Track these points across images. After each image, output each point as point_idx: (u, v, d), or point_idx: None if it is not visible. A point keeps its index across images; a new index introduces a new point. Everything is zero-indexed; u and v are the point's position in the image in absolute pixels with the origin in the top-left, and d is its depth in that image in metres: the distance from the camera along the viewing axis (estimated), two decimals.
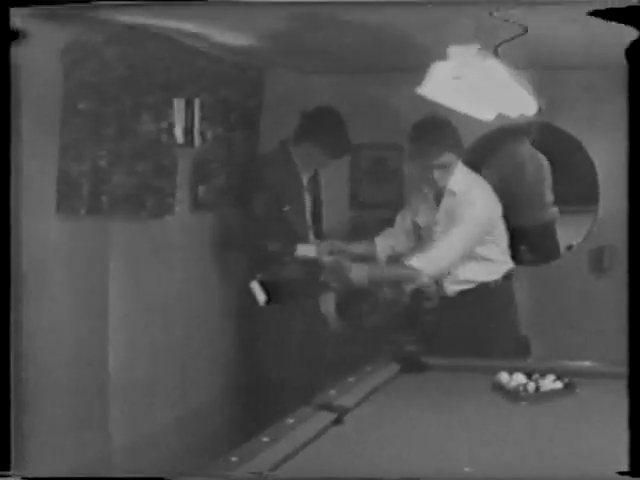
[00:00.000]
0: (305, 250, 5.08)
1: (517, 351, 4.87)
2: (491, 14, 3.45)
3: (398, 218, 5.09)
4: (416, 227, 4.94)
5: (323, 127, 5.13)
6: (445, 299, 4.83)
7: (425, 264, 4.52)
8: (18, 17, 2.86)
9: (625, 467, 2.58)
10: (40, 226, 3.88)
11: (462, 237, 4.55)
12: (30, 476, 2.74)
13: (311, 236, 5.31)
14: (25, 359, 3.37)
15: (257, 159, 5.52)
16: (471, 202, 4.57)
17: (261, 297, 4.82)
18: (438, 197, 4.74)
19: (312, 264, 5.02)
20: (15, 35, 2.86)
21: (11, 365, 2.82)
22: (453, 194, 4.64)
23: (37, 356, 3.77)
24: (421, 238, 4.87)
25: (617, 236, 5.05)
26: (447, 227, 4.60)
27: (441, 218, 4.70)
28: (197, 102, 5.00)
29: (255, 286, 4.84)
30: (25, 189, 3.43)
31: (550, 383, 3.85)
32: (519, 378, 3.88)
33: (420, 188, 4.88)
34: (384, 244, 5.05)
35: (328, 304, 5.63)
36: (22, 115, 3.04)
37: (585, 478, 2.65)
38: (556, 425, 3.35)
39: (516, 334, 4.94)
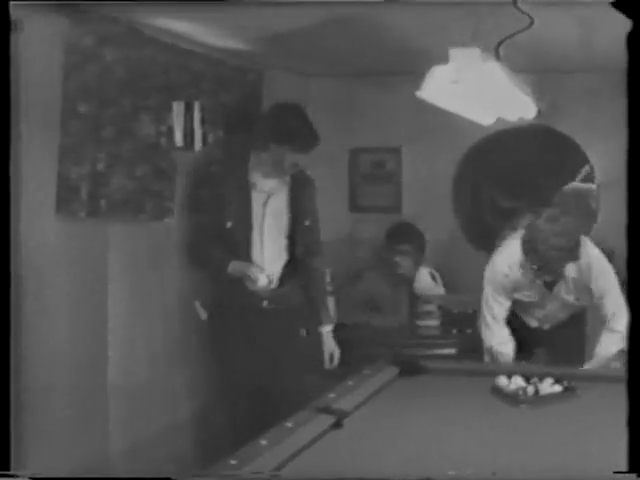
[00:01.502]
0: (236, 267, 4.70)
1: None
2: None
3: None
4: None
5: (285, 123, 4.63)
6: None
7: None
8: (18, 11, 2.86)
9: (624, 469, 2.57)
10: (39, 228, 3.88)
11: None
12: (30, 476, 2.74)
13: (272, 252, 4.80)
14: (25, 360, 3.37)
15: (207, 172, 4.90)
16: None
17: (203, 315, 4.90)
18: None
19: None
20: (14, 29, 2.85)
21: (11, 366, 2.81)
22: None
23: (37, 357, 3.77)
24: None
25: (617, 240, 5.07)
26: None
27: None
28: (197, 105, 5.00)
29: (198, 306, 4.91)
30: (24, 191, 3.43)
31: (549, 386, 3.85)
32: (518, 381, 3.88)
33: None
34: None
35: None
36: (21, 117, 3.03)
37: (585, 478, 2.64)
38: (555, 427, 3.36)
39: None
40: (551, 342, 4.80)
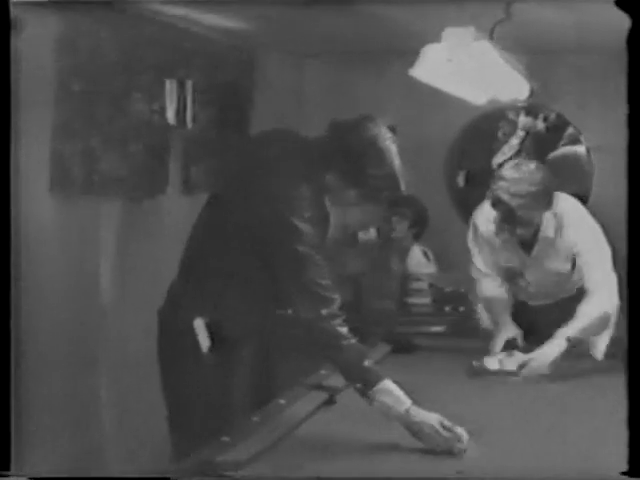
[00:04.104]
0: None
1: None
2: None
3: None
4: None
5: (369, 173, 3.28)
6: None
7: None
8: (18, 7, 2.87)
9: (624, 468, 2.56)
10: (33, 206, 3.89)
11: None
12: (30, 476, 2.75)
13: None
14: (22, 340, 3.37)
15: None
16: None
17: (205, 342, 3.35)
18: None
19: None
20: (14, 24, 2.87)
21: (11, 362, 2.83)
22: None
23: (33, 336, 3.77)
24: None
25: (607, 217, 5.08)
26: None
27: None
28: (189, 84, 5.00)
29: (200, 326, 3.37)
30: (18, 169, 3.44)
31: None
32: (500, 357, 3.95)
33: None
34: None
35: None
36: (20, 101, 3.04)
37: (585, 478, 2.63)
38: (554, 425, 3.24)
39: None
40: (534, 322, 4.39)
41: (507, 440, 2.97)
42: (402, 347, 4.26)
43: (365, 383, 3.02)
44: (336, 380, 3.53)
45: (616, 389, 2.79)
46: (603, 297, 4.16)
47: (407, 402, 3.00)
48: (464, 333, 4.71)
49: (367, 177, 3.28)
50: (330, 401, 3.31)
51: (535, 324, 4.34)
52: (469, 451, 2.84)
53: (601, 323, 4.17)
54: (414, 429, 2.94)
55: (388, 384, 3.03)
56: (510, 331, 4.24)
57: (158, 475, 2.55)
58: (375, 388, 3.00)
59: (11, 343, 2.83)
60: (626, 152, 2.67)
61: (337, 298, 3.11)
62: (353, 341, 3.06)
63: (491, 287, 4.44)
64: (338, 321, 3.06)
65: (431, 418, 2.94)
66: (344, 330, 3.06)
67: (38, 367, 3.65)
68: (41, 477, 2.82)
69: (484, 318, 4.54)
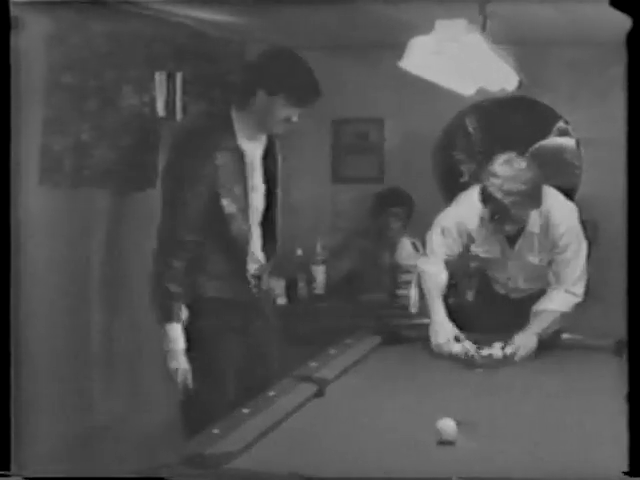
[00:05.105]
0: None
1: None
2: None
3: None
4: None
5: (279, 67, 3.66)
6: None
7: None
8: (17, 7, 2.87)
9: (624, 467, 2.56)
10: (22, 199, 3.88)
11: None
12: (30, 476, 2.75)
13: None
14: (20, 335, 3.37)
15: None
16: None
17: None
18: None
19: None
20: (14, 24, 2.88)
21: (11, 360, 2.83)
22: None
23: (30, 336, 3.76)
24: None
25: (598, 211, 5.09)
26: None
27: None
28: (179, 76, 5.00)
29: None
30: (18, 162, 3.44)
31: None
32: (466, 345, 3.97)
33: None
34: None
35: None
36: (21, 97, 3.04)
37: (585, 478, 2.63)
38: (554, 424, 3.18)
39: None
40: (520, 314, 4.33)
41: (505, 439, 2.95)
42: (392, 338, 4.27)
43: (163, 317, 3.61)
44: (325, 373, 3.55)
45: (616, 388, 2.79)
46: (576, 293, 4.27)
47: (178, 345, 3.61)
48: (454, 325, 4.70)
49: (292, 87, 3.63)
50: (319, 393, 3.32)
51: (517, 317, 4.33)
52: (461, 444, 2.85)
53: (564, 319, 4.29)
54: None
55: (173, 326, 3.60)
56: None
57: (156, 474, 2.56)
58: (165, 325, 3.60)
59: (10, 339, 2.84)
60: (625, 146, 2.65)
61: (181, 293, 3.62)
62: (169, 286, 3.60)
63: (431, 265, 4.48)
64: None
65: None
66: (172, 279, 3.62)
67: (36, 360, 3.67)
68: (41, 477, 2.83)
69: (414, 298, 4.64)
